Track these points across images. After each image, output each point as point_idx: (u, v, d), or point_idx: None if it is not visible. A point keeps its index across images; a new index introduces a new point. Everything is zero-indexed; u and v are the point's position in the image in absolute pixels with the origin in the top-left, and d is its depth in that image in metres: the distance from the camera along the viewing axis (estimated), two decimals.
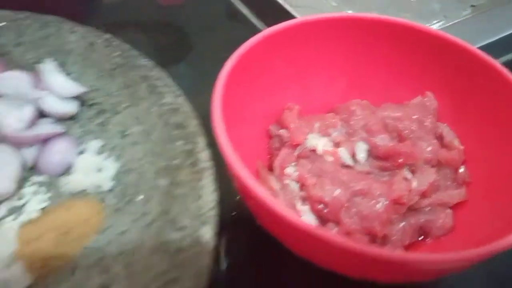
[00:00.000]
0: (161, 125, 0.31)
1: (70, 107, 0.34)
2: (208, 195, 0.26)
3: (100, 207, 0.29)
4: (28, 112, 0.33)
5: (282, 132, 0.36)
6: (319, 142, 0.34)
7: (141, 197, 0.28)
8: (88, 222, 0.28)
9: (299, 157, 0.34)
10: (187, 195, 0.26)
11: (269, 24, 0.51)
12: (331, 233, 0.22)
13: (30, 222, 0.29)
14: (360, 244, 0.22)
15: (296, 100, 0.37)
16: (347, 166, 0.33)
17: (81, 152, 0.33)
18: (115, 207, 0.29)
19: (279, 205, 0.23)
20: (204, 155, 0.28)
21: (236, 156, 0.25)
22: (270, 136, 0.36)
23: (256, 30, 0.52)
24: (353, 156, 0.34)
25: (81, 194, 0.31)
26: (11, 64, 0.36)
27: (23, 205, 0.31)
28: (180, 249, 0.24)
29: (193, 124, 0.30)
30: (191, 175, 0.27)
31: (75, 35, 0.37)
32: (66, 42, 0.37)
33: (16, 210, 0.30)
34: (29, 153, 0.33)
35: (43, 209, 0.30)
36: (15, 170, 0.32)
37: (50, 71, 0.35)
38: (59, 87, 0.34)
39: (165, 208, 0.27)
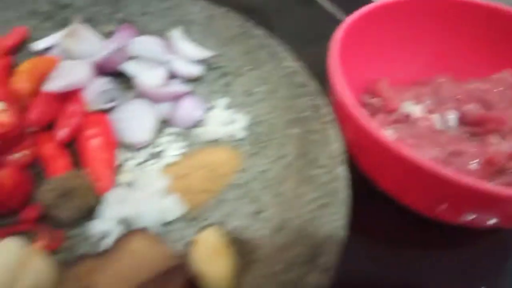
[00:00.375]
0: (285, 84, 0.34)
1: (197, 70, 0.39)
2: (337, 142, 0.30)
3: (237, 152, 0.33)
4: (161, 72, 0.38)
5: (374, 100, 0.40)
6: (414, 109, 0.38)
7: (276, 142, 0.32)
8: (229, 163, 0.32)
9: (394, 121, 0.38)
10: (320, 141, 0.30)
11: (342, 8, 0.55)
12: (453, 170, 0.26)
13: (174, 163, 0.33)
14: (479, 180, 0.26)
15: (381, 73, 0.41)
16: (439, 131, 0.37)
17: (210, 108, 0.37)
18: (251, 152, 0.33)
19: (401, 146, 0.27)
20: (327, 110, 0.32)
21: (359, 107, 0.29)
22: (362, 105, 0.40)
23: (327, 14, 0.56)
24: (444, 122, 0.38)
25: (216, 142, 0.35)
26: (139, 31, 0.41)
27: (162, 151, 0.35)
28: (324, 182, 0.28)
29: (314, 84, 0.34)
30: (320, 125, 0.31)
31: (195, 7, 0.41)
32: (187, 13, 0.41)
33: (156, 156, 0.34)
34: (163, 108, 0.37)
35: (182, 154, 0.34)
36: (152, 121, 0.36)
37: (178, 37, 0.40)
38: (186, 52, 0.39)
39: (302, 151, 0.30)
